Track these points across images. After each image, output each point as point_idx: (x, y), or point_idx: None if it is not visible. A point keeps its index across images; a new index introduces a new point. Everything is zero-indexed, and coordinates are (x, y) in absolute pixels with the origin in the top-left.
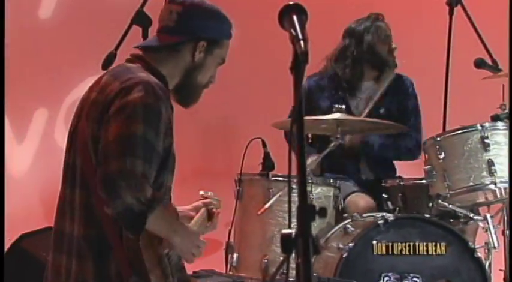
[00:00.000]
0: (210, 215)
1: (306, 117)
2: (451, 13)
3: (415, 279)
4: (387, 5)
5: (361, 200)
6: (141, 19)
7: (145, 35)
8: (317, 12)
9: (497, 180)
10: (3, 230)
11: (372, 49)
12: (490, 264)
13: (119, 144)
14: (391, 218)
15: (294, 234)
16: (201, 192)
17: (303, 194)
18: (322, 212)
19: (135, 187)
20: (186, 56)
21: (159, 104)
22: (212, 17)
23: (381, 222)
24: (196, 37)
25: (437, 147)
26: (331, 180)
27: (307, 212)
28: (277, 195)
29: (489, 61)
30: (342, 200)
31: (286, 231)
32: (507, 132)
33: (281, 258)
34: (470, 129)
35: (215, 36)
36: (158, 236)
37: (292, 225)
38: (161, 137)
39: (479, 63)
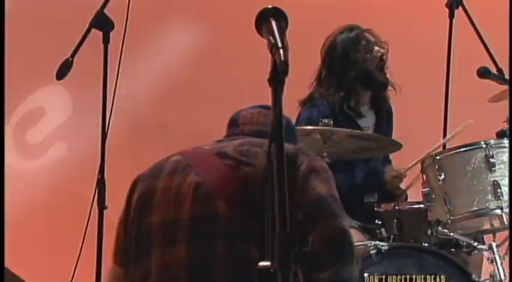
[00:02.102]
0: None
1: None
2: (451, 16)
3: None
4: (381, 9)
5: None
6: (101, 22)
7: (106, 41)
8: (300, 18)
9: (504, 205)
10: (3, 230)
11: (359, 66)
12: None
13: (335, 204)
14: (385, 248)
15: (272, 266)
16: None
17: (283, 220)
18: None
19: (354, 260)
20: None
21: None
22: (296, 139)
23: (373, 252)
24: None
25: (437, 167)
26: None
27: (287, 241)
28: None
29: (494, 70)
30: None
31: (263, 263)
32: None
33: None
34: (473, 147)
35: None
36: None
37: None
38: None
39: (483, 73)
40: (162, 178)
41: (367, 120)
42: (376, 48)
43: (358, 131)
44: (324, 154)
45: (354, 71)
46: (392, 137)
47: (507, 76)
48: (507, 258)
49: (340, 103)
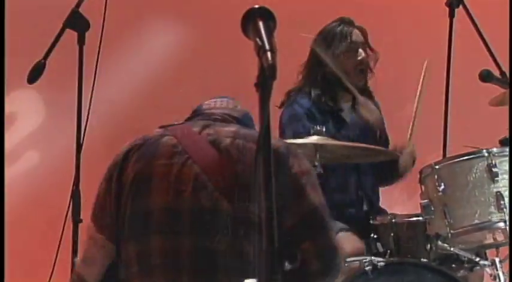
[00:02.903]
0: None
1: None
2: (451, 15)
3: None
4: (379, 8)
5: (347, 242)
6: (76, 22)
7: (81, 42)
8: (291, 18)
9: (507, 218)
10: (3, 230)
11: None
12: None
13: (325, 216)
14: (381, 263)
15: None
16: None
17: (270, 235)
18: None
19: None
20: None
21: None
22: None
23: (368, 268)
24: None
25: (436, 177)
26: None
27: (274, 257)
28: None
29: (497, 73)
30: None
31: (249, 280)
32: None
33: None
34: (475, 156)
35: None
36: None
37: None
38: None
39: (486, 76)
40: (159, 162)
41: (347, 116)
42: (360, 50)
43: (350, 144)
44: (316, 164)
45: (328, 67)
46: (391, 140)
47: None
48: None
49: (318, 99)
